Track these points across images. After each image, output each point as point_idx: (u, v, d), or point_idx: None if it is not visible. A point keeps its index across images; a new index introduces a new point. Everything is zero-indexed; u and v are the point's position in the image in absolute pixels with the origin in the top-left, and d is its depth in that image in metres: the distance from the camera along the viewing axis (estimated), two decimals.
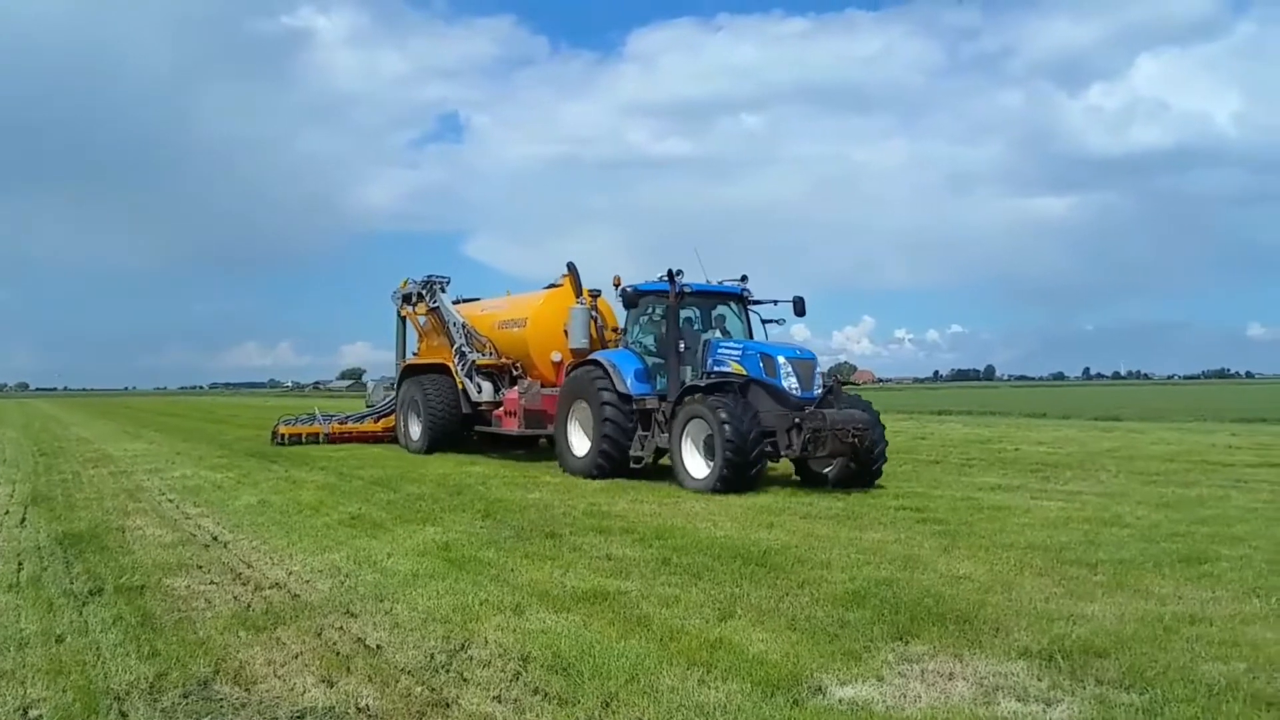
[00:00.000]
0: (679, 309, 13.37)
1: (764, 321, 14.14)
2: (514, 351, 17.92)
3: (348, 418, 22.44)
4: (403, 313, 21.16)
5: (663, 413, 12.96)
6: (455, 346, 18.65)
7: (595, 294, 16.47)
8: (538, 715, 4.20)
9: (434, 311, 19.75)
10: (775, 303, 14.14)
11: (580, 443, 14.03)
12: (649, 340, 14.03)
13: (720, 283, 14.27)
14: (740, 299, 14.24)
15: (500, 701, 4.37)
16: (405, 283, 20.90)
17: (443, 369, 19.01)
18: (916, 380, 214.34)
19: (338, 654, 5.10)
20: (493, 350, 18.21)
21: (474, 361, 18.05)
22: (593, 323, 15.68)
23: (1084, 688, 4.51)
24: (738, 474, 11.42)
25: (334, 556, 7.71)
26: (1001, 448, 19.49)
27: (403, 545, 8.18)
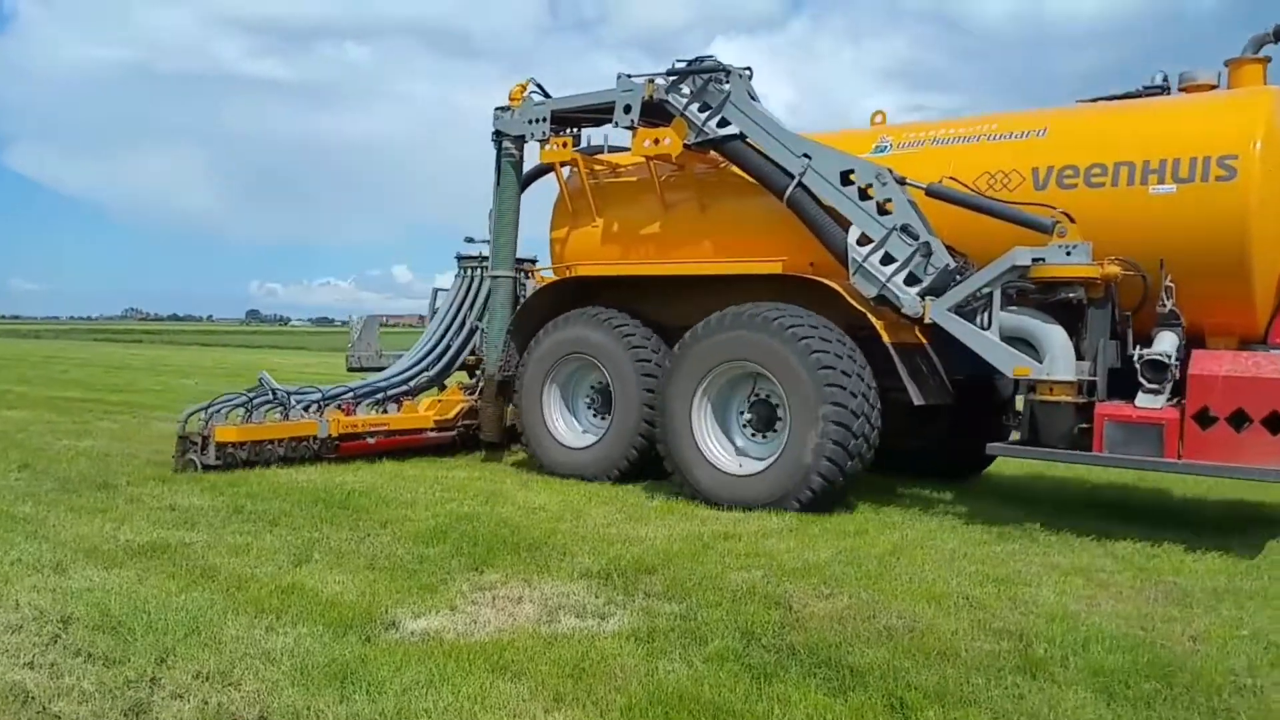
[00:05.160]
0: None
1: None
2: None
3: (371, 393, 9.99)
4: (551, 156, 9.39)
5: None
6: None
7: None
8: (79, 679, 3.83)
9: (729, 148, 8.15)
10: None
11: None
12: None
13: None
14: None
15: (33, 668, 3.93)
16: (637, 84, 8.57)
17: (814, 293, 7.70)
18: None
19: None
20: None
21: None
22: None
23: (634, 601, 5.03)
24: None
25: None
26: None
27: None
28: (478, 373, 10.46)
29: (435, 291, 11.65)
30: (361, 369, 11.39)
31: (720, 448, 7.88)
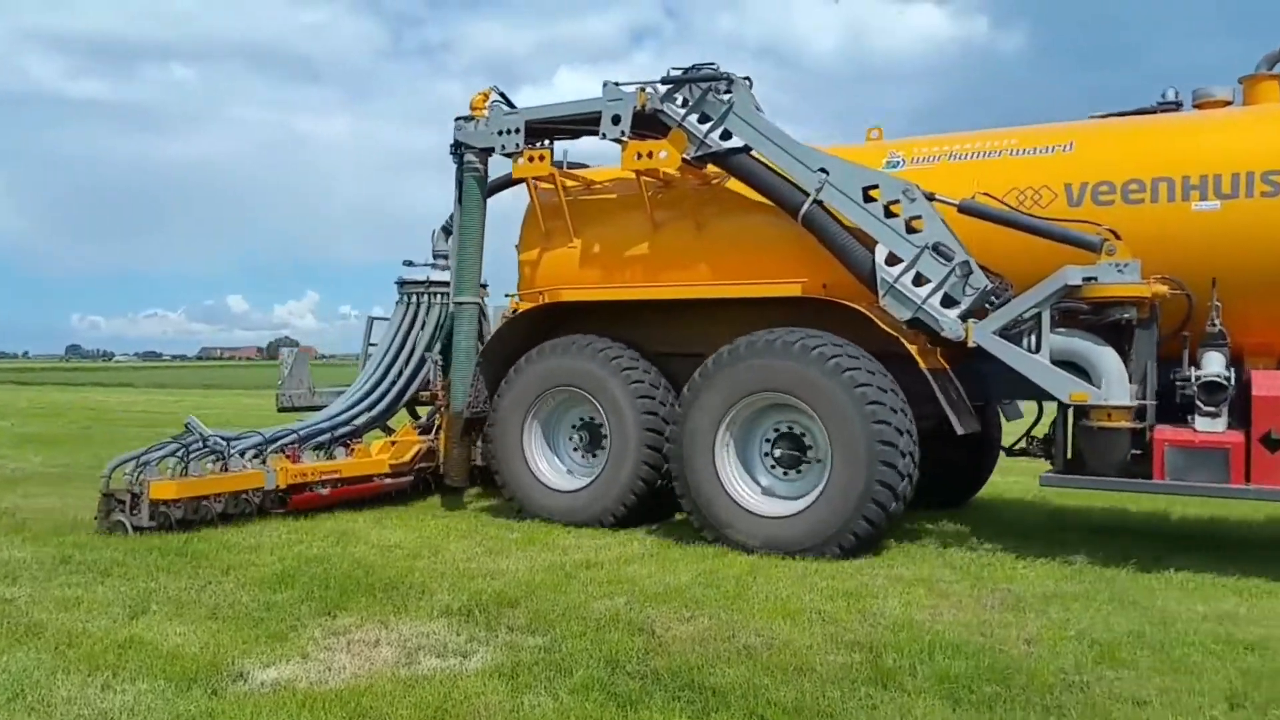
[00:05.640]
0: None
1: None
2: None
3: (314, 434, 8.88)
4: (525, 171, 8.63)
5: None
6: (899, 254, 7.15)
7: None
8: None
9: (734, 162, 7.69)
10: None
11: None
12: None
13: None
14: None
15: None
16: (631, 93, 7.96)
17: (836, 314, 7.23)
18: (359, 356, 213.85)
19: None
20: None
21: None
22: None
23: (497, 636, 4.97)
24: None
25: None
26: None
27: None
28: (431, 410, 9.70)
29: (371, 321, 10.79)
30: (294, 409, 10.27)
31: (746, 487, 7.24)
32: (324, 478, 8.47)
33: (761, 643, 4.79)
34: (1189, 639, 4.89)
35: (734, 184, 7.89)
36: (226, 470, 7.89)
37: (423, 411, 10.01)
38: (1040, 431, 7.77)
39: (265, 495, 8.04)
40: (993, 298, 6.79)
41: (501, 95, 8.85)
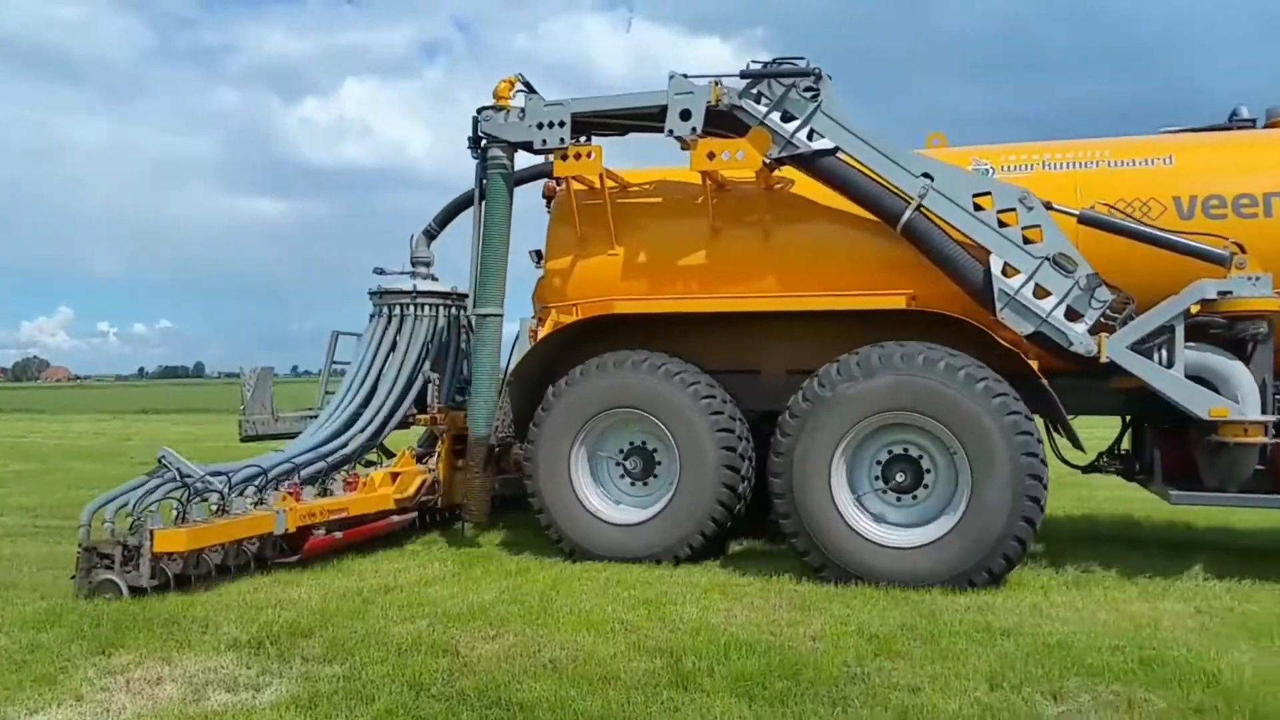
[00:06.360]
0: None
1: None
2: None
3: (311, 463, 7.72)
4: (570, 170, 7.81)
5: None
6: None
7: None
8: None
9: (822, 164, 7.19)
10: None
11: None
12: None
13: None
14: None
15: None
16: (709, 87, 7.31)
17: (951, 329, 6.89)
18: (120, 377, 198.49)
19: None
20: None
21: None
22: None
23: (291, 668, 4.78)
24: None
25: None
26: (213, 446, 19.30)
27: None
28: (423, 436, 8.82)
29: (336, 336, 9.57)
30: (257, 438, 9.02)
31: (861, 514, 6.69)
32: (331, 517, 7.24)
33: (566, 655, 4.86)
34: (954, 629, 5.36)
35: (801, 189, 7.48)
36: (227, 513, 6.56)
37: (401, 440, 8.91)
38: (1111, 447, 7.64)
39: (265, 541, 6.82)
40: (1113, 311, 6.59)
41: (526, 84, 7.98)
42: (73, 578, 6.15)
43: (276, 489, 7.04)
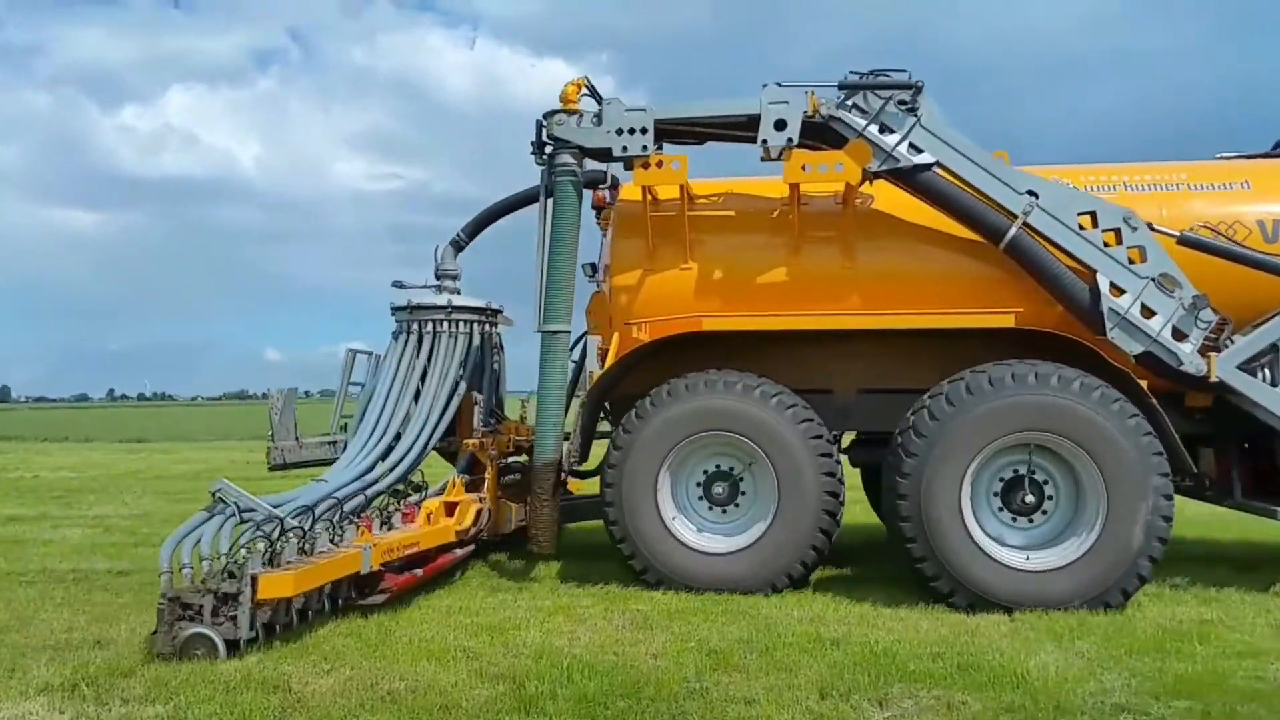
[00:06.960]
0: None
1: None
2: None
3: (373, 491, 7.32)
4: (652, 180, 7.43)
5: None
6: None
7: None
8: None
9: (923, 179, 7.07)
10: None
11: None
12: None
13: None
14: None
15: None
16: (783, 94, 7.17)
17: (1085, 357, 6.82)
18: None
19: None
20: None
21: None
22: None
23: (110, 710, 4.52)
24: None
25: None
26: (19, 475, 18.10)
27: None
28: (462, 462, 8.19)
29: (353, 354, 8.79)
30: (285, 467, 8.19)
31: (990, 537, 6.55)
32: (406, 553, 6.68)
33: (406, 687, 4.78)
34: (788, 640, 5.57)
35: (885, 203, 7.37)
36: (312, 551, 5.86)
37: (442, 469, 8.31)
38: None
39: (340, 581, 6.03)
40: (1213, 333, 6.64)
41: (590, 88, 7.61)
42: (156, 634, 5.35)
43: (352, 524, 6.46)
